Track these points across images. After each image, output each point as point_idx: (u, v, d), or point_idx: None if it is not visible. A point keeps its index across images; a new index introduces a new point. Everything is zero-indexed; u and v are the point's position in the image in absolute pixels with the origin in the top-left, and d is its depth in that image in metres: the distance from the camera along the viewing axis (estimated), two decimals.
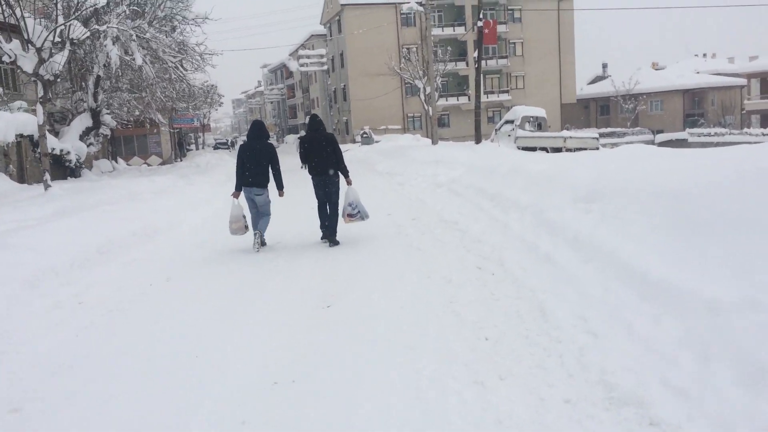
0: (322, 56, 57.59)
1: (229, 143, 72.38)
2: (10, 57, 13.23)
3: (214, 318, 5.36)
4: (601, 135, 32.30)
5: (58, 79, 13.90)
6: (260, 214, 8.25)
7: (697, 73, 66.10)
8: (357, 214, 8.36)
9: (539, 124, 25.81)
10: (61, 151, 19.42)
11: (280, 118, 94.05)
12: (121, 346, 4.79)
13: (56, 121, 25.38)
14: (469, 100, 57.46)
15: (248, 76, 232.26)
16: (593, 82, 72.13)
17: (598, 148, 24.32)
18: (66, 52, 13.71)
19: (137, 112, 23.40)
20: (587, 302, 4.68)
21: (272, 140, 28.29)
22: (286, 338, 4.74)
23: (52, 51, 13.37)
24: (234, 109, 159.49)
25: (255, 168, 8.04)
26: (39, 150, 18.49)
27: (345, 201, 8.37)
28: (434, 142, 28.29)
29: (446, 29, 54.78)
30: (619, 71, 64.87)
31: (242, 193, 8.14)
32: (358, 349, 4.38)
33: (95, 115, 21.61)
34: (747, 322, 3.35)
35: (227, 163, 30.85)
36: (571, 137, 23.64)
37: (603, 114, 65.74)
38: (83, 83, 21.68)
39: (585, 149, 23.64)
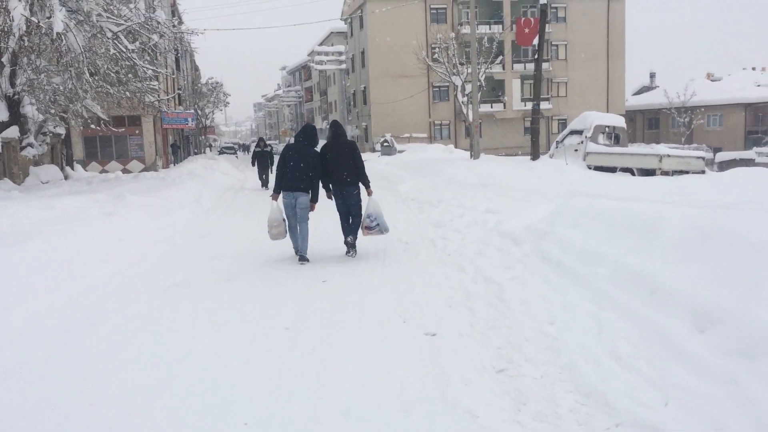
0: (341, 54, 51.47)
1: (236, 148, 65.48)
2: None
3: None
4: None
5: None
6: (298, 221, 7.83)
7: (758, 86, 58.94)
8: (376, 227, 7.84)
9: (617, 136, 19.28)
10: None
11: (297, 122, 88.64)
12: None
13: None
14: (505, 107, 51.15)
15: (270, 79, 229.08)
16: (639, 92, 65.86)
17: (704, 171, 17.84)
18: None
19: (75, 103, 16.97)
20: None
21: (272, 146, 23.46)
22: None
23: None
24: (255, 112, 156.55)
25: (297, 173, 7.68)
26: None
27: (364, 212, 7.87)
28: (474, 156, 21.91)
29: (481, 26, 48.43)
30: (669, 82, 57.95)
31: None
32: None
33: (13, 105, 15.56)
34: None
35: (213, 173, 24.68)
36: (668, 155, 17.06)
37: (651, 128, 59.30)
38: None
39: (687, 172, 17.20)
